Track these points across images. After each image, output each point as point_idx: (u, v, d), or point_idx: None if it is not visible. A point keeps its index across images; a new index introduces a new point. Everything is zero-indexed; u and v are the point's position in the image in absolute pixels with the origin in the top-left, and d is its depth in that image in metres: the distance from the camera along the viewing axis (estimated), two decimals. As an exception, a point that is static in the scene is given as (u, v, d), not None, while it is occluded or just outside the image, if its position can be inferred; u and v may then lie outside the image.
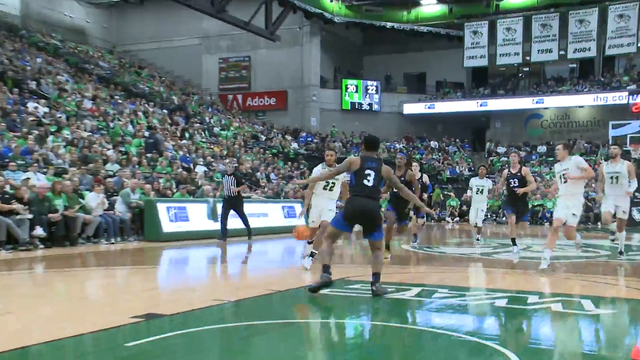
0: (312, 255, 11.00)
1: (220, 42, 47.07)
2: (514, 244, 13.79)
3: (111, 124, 27.11)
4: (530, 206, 17.42)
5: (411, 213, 14.44)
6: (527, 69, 46.31)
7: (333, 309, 7.85)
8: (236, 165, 22.42)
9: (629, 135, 35.95)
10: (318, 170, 11.89)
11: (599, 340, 6.29)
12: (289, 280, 8.97)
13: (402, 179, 11.83)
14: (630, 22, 39.26)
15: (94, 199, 17.82)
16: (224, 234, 17.98)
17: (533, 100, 43.65)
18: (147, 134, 27.98)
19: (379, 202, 8.74)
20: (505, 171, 14.32)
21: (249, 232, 18.82)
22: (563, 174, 10.95)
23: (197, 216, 20.18)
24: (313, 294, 8.09)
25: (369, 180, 8.10)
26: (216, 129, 36.63)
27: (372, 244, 8.41)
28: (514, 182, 13.49)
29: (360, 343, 6.45)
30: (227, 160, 24.61)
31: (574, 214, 10.88)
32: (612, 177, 12.18)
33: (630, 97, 39.48)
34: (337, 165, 10.24)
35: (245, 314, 7.34)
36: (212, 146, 32.14)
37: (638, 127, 35.51)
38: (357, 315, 7.41)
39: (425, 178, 16.70)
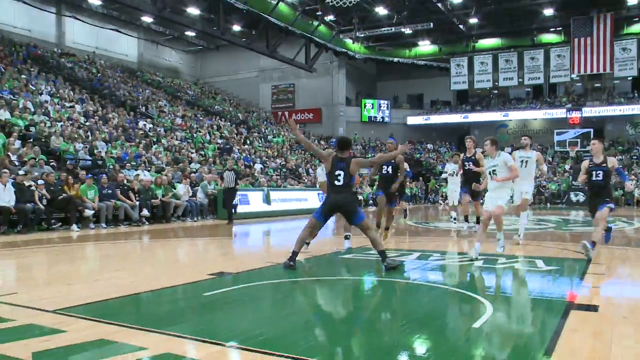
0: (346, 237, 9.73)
1: (273, 74, 47.12)
2: (466, 220, 12.22)
3: (195, 135, 27.33)
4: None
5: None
6: (496, 91, 45.89)
7: (356, 269, 7.81)
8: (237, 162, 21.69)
9: (567, 140, 36.29)
10: (320, 170, 10.59)
11: (547, 289, 6.22)
12: (322, 248, 8.93)
13: (393, 162, 10.19)
14: (565, 60, 39.59)
15: (182, 189, 18.06)
16: (231, 219, 17.18)
17: (501, 114, 43.54)
18: (220, 141, 28.18)
19: (352, 193, 7.79)
20: (462, 154, 11.89)
21: (230, 218, 17.26)
22: (493, 170, 8.80)
23: (256, 201, 20.29)
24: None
25: (339, 180, 7.44)
26: (270, 137, 36.72)
27: (359, 227, 7.58)
28: (469, 165, 11.42)
29: (374, 294, 6.46)
30: (229, 157, 23.70)
31: (500, 198, 8.61)
32: (522, 161, 10.09)
33: (568, 112, 39.97)
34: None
35: (291, 272, 7.35)
36: (266, 149, 32.23)
37: (574, 134, 35.83)
38: (372, 274, 7.38)
39: (406, 165, 14.24)
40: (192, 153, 23.68)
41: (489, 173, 8.89)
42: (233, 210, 17.70)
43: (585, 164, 8.89)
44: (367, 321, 4.98)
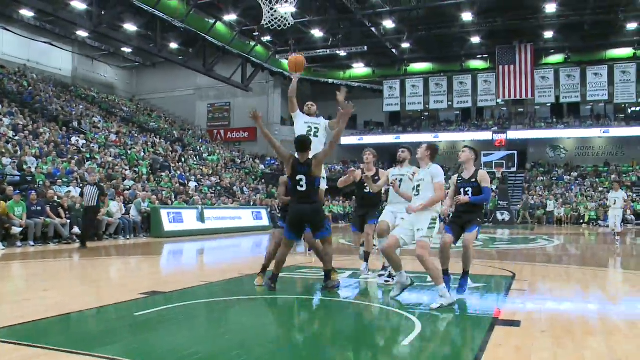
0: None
1: (209, 92, 46.74)
2: (365, 259, 8.65)
3: (129, 152, 26.75)
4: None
5: None
6: (427, 113, 46.95)
7: (290, 288, 7.72)
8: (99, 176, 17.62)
9: (494, 161, 37.66)
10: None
11: (474, 305, 6.36)
12: (254, 267, 8.86)
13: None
14: (491, 85, 41.08)
15: (115, 206, 17.60)
16: (84, 242, 14.30)
17: (432, 135, 44.31)
18: (154, 158, 27.68)
19: (318, 201, 6.98)
20: (358, 172, 8.68)
21: (84, 241, 14.39)
22: (417, 186, 6.53)
23: (190, 219, 20.00)
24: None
25: (302, 186, 6.73)
26: (205, 155, 36.30)
27: (321, 241, 7.07)
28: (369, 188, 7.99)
29: (308, 312, 6.45)
30: (87, 168, 19.74)
31: (418, 230, 6.26)
32: (397, 180, 7.47)
33: (494, 135, 41.16)
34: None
35: (223, 291, 7.28)
36: (201, 167, 31.84)
37: (500, 156, 37.24)
38: (303, 293, 7.38)
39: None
40: (126, 170, 23.16)
41: (413, 189, 6.63)
42: (92, 233, 15.47)
43: (453, 180, 7.16)
44: (301, 338, 4.99)
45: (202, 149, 37.93)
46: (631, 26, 34.12)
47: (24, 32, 34.26)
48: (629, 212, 31.31)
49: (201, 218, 20.33)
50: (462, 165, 7.07)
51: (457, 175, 7.16)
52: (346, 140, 46.67)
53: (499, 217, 32.21)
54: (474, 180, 6.86)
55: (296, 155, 7.05)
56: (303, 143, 7.04)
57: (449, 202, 7.00)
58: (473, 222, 6.82)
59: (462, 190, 6.90)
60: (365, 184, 7.99)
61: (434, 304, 6.03)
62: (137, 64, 45.33)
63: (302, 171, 6.81)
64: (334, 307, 6.44)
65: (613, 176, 36.89)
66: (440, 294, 6.14)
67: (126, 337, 4.82)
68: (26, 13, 31.45)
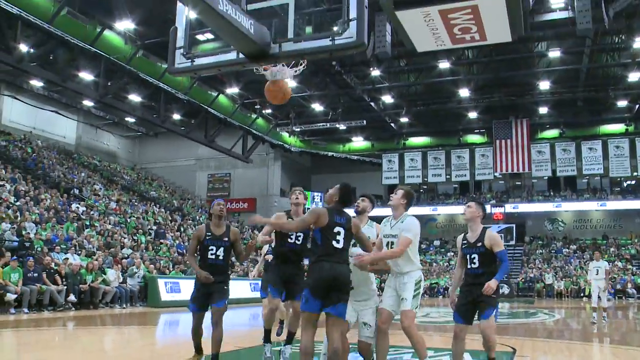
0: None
1: (210, 163, 47.14)
2: (268, 340, 6.46)
3: (128, 220, 26.72)
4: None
5: None
6: (425, 187, 47.19)
7: None
8: None
9: None
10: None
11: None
12: (252, 339, 8.65)
13: (226, 239, 6.38)
14: (489, 159, 41.51)
15: (113, 275, 17.44)
16: None
17: (430, 208, 44.55)
18: (153, 227, 27.62)
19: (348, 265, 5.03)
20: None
21: None
22: (390, 242, 5.48)
23: (188, 289, 19.65)
24: None
25: (338, 241, 4.88)
26: (204, 225, 36.21)
27: (333, 321, 4.89)
28: (294, 240, 6.30)
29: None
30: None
31: (403, 299, 5.30)
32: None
33: (492, 208, 41.11)
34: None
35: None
36: (201, 237, 31.68)
37: (498, 229, 37.29)
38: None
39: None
40: (124, 238, 23.05)
41: (386, 246, 5.51)
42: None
43: (458, 242, 5.97)
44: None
45: (201, 219, 37.87)
46: (621, 104, 34.96)
47: (32, 100, 34.88)
48: (629, 285, 31.02)
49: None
50: (467, 225, 5.94)
51: (462, 236, 5.95)
52: (345, 211, 46.68)
53: (499, 290, 31.90)
54: (480, 244, 5.62)
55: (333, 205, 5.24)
56: (350, 194, 5.22)
57: (458, 272, 5.96)
58: (488, 303, 5.67)
59: (467, 257, 5.72)
60: (291, 237, 6.14)
61: None
62: (139, 133, 45.87)
63: (342, 223, 5.02)
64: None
65: (612, 249, 36.76)
66: None
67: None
68: (36, 83, 32.13)
